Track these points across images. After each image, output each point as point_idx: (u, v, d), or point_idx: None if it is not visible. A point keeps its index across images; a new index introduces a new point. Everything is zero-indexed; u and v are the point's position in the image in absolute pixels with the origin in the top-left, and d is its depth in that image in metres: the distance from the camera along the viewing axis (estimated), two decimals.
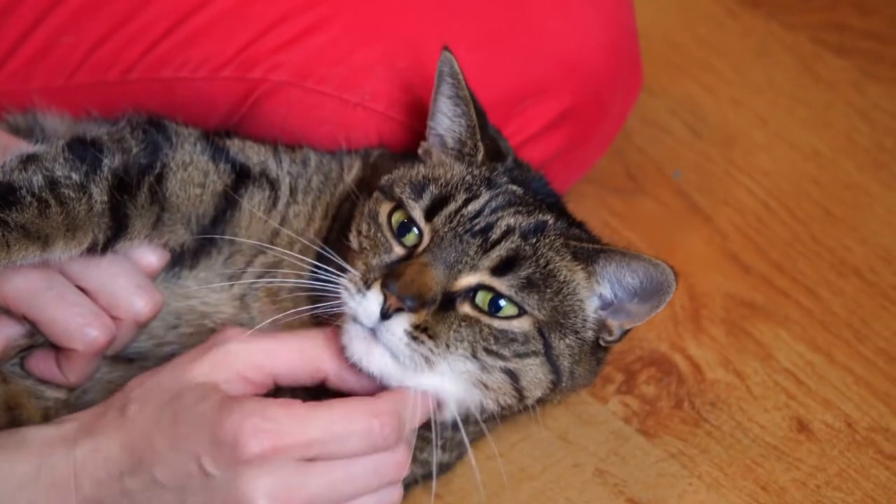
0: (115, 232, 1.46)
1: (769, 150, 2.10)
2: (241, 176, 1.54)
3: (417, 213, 1.46)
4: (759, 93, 2.19)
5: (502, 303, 1.43)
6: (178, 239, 1.52)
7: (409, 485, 1.55)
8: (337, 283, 1.42)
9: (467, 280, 1.42)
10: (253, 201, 1.53)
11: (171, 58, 1.65)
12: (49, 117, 1.67)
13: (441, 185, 1.49)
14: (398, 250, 1.45)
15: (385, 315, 1.39)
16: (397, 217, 1.47)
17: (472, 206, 1.46)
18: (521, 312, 1.43)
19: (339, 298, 1.41)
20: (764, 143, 2.11)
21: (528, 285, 1.43)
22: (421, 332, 1.40)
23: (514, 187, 1.50)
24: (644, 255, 1.45)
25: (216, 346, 1.41)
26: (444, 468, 1.62)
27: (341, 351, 1.42)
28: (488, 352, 1.42)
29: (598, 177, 2.00)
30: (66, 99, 1.67)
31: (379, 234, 1.46)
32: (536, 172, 1.59)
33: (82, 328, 1.45)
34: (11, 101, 1.68)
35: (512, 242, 1.44)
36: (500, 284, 1.42)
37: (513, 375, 1.44)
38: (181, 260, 1.53)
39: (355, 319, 1.40)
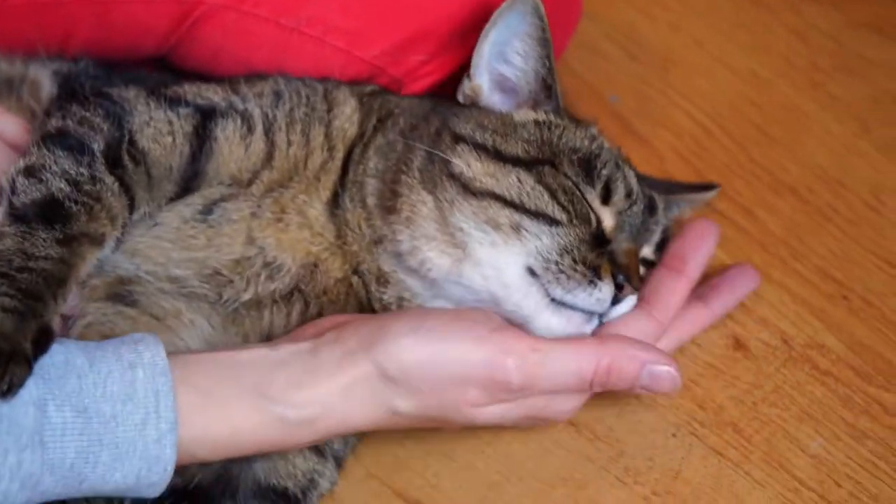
0: (130, 209, 1.45)
1: (707, 74, 2.10)
2: (207, 114, 1.52)
3: (592, 196, 1.49)
4: (698, 17, 2.18)
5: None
6: (166, 195, 1.50)
7: None
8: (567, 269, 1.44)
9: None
10: (226, 131, 1.51)
11: None
12: None
13: (602, 161, 1.51)
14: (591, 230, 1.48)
15: (614, 300, 1.47)
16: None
17: (630, 179, 1.53)
18: None
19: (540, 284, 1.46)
20: (702, 67, 2.11)
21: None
22: None
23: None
24: None
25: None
26: None
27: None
28: None
29: None
30: (2, 25, 1.64)
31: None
32: None
33: None
34: None
35: (665, 217, 1.60)
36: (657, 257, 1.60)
37: None
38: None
39: (572, 307, 1.46)
